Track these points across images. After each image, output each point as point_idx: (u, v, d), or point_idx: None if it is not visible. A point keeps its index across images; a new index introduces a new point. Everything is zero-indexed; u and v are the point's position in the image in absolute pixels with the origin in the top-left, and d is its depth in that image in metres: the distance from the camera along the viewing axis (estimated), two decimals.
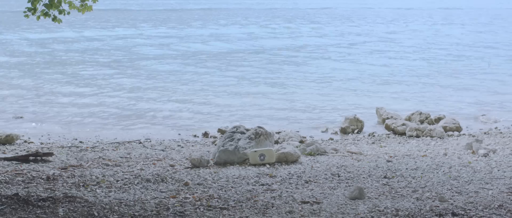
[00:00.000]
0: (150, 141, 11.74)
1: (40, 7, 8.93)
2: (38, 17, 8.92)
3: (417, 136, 12.22)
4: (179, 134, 12.68)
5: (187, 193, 7.43)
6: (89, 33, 34.58)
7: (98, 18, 43.20)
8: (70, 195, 7.06)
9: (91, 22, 40.02)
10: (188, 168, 9.03)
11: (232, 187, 7.81)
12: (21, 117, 14.20)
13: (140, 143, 11.46)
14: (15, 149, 10.66)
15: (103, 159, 9.63)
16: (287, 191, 7.61)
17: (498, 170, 8.95)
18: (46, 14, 8.93)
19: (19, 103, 15.79)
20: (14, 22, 39.33)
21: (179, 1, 69.76)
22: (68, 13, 9.04)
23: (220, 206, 6.80)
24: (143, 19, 46.21)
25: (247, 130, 10.03)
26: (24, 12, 8.90)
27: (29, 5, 8.95)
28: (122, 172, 8.63)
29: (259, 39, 33.61)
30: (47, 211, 6.35)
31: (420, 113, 13.73)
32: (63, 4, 8.92)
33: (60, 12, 8.94)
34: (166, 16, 50.13)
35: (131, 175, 8.35)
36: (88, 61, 24.35)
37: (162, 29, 38.13)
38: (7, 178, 7.95)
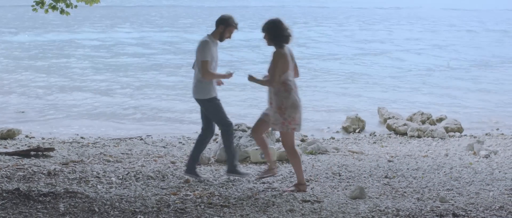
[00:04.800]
0: (152, 138, 11.75)
1: (47, 0, 8.94)
2: (46, 11, 8.93)
3: (419, 136, 12.21)
4: (180, 131, 12.68)
5: (188, 190, 7.43)
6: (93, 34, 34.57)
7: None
8: (71, 190, 7.05)
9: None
10: None
11: (233, 184, 7.81)
12: (22, 112, 14.21)
13: (141, 139, 11.45)
14: (16, 144, 10.66)
15: (104, 155, 9.63)
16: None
17: (499, 172, 8.95)
18: (53, 8, 8.94)
19: (21, 98, 15.80)
20: (17, 19, 39.34)
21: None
22: (76, 6, 9.04)
23: (221, 203, 6.80)
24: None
25: (249, 128, 10.03)
26: (32, 6, 8.90)
27: None
28: (123, 168, 8.63)
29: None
30: (48, 206, 6.35)
31: (422, 113, 13.72)
32: None
33: (68, 5, 8.95)
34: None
35: (132, 171, 8.35)
36: (91, 59, 24.35)
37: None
38: (8, 173, 7.95)
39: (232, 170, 7.95)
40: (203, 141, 8.00)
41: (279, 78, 7.19)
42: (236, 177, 7.97)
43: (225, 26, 7.69)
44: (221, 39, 7.75)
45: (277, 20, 7.27)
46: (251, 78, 7.41)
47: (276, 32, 7.19)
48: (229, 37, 7.80)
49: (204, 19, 45.27)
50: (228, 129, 7.84)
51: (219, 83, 7.91)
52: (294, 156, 7.44)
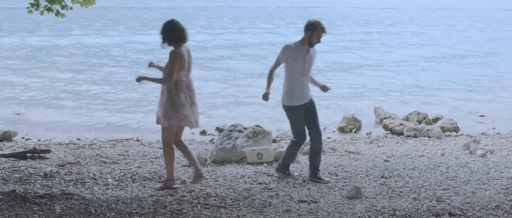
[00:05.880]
0: (148, 139, 11.73)
1: (43, 2, 8.92)
2: (42, 12, 8.91)
3: (415, 136, 12.22)
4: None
5: (184, 191, 7.43)
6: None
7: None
8: (67, 192, 7.05)
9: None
10: (185, 166, 9.02)
11: (229, 185, 7.81)
12: (18, 114, 14.19)
13: (138, 140, 11.45)
14: (12, 146, 10.65)
15: (101, 156, 9.63)
16: (284, 190, 7.61)
17: (495, 171, 8.96)
18: (49, 9, 8.92)
19: (18, 100, 15.78)
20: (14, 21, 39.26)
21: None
22: (71, 8, 9.02)
23: (218, 204, 6.80)
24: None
25: (245, 129, 10.03)
26: (28, 7, 8.88)
27: (32, 0, 8.94)
28: (120, 169, 8.62)
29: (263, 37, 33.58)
30: (44, 208, 6.34)
31: (418, 113, 13.74)
32: None
33: (63, 7, 8.93)
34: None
35: (129, 173, 8.35)
36: (90, 62, 24.34)
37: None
38: (4, 175, 7.94)
39: (282, 170, 8.30)
40: (315, 147, 8.25)
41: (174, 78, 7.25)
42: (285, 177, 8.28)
43: (312, 31, 7.76)
44: (311, 44, 7.86)
45: (172, 21, 7.36)
46: (140, 78, 7.45)
47: (171, 33, 7.28)
48: (318, 41, 7.90)
49: (198, 19, 45.25)
50: (297, 143, 8.16)
51: (325, 90, 8.16)
52: (169, 152, 7.54)
